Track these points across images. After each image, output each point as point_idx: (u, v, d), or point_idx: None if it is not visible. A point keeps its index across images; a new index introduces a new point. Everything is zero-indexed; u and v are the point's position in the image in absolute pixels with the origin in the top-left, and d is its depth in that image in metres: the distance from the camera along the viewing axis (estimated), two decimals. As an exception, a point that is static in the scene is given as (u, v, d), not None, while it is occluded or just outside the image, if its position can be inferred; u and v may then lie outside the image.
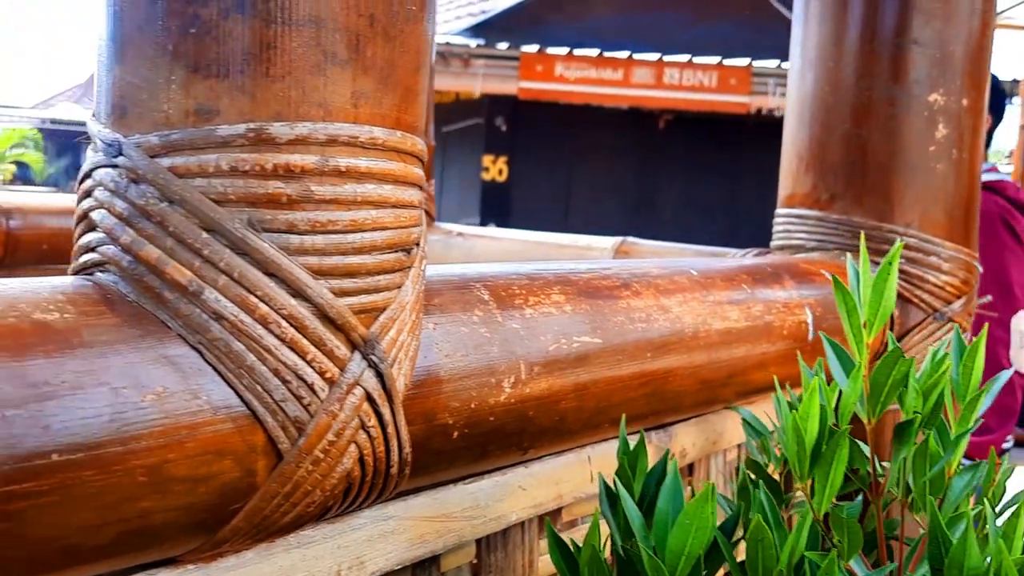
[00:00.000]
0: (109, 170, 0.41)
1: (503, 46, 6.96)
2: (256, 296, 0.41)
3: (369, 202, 0.44)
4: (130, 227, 0.41)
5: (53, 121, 17.06)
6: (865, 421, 0.47)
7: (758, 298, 0.78)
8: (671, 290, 0.69)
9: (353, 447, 0.44)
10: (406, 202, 0.46)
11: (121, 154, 0.41)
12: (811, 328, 0.83)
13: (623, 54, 7.11)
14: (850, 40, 1.01)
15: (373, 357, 0.44)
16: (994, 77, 2.18)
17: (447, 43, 6.68)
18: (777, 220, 1.08)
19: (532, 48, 7.08)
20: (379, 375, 0.45)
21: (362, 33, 0.42)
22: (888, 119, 0.99)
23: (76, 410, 0.36)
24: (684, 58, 7.02)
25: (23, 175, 15.36)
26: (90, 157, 0.43)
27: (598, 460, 0.69)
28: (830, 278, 0.56)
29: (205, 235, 0.40)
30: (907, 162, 0.98)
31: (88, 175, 0.43)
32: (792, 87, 1.08)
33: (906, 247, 0.98)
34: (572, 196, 8.13)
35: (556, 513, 0.67)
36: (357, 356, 0.44)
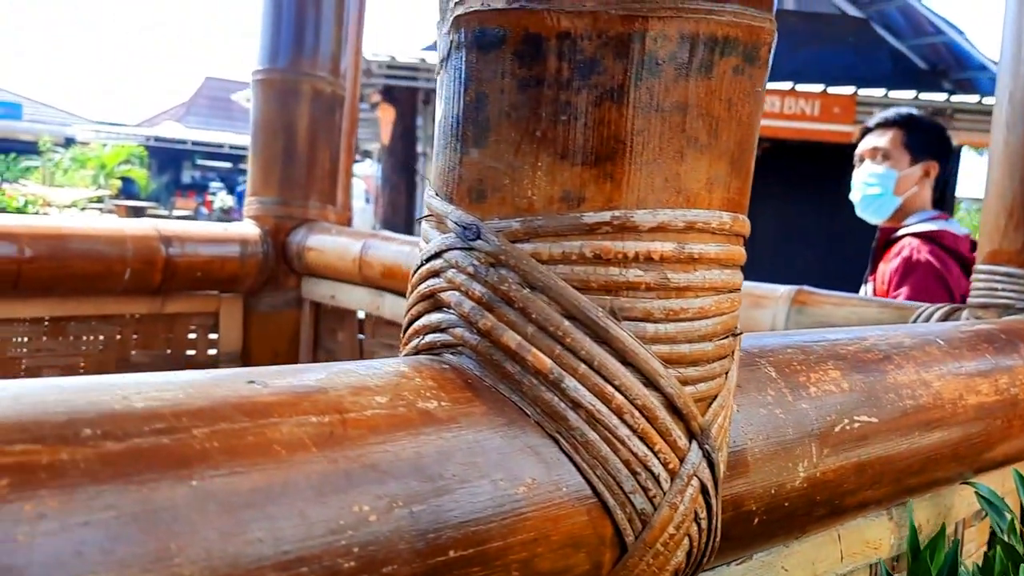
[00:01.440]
0: (465, 253, 0.41)
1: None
2: (613, 385, 0.40)
3: (714, 288, 0.42)
4: (490, 312, 0.40)
5: (157, 139, 17.87)
6: None
7: (1001, 368, 0.74)
8: (928, 362, 0.66)
9: (686, 540, 0.43)
10: (737, 285, 0.45)
11: (479, 238, 0.41)
12: (1051, 400, 0.78)
13: (722, 81, 7.00)
14: (1068, 91, 0.96)
15: (707, 447, 0.43)
16: (938, 124, 2.16)
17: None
18: (978, 277, 1.03)
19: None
20: (711, 465, 0.43)
21: (720, 118, 0.41)
22: (1113, 175, 0.93)
23: (466, 504, 0.35)
24: (786, 85, 6.89)
25: (127, 190, 16.13)
26: (437, 238, 0.43)
27: (847, 537, 0.66)
28: None
29: (567, 323, 0.40)
30: None
31: (437, 255, 0.43)
32: (997, 138, 1.03)
33: None
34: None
35: (803, 592, 0.64)
36: (695, 446, 0.42)
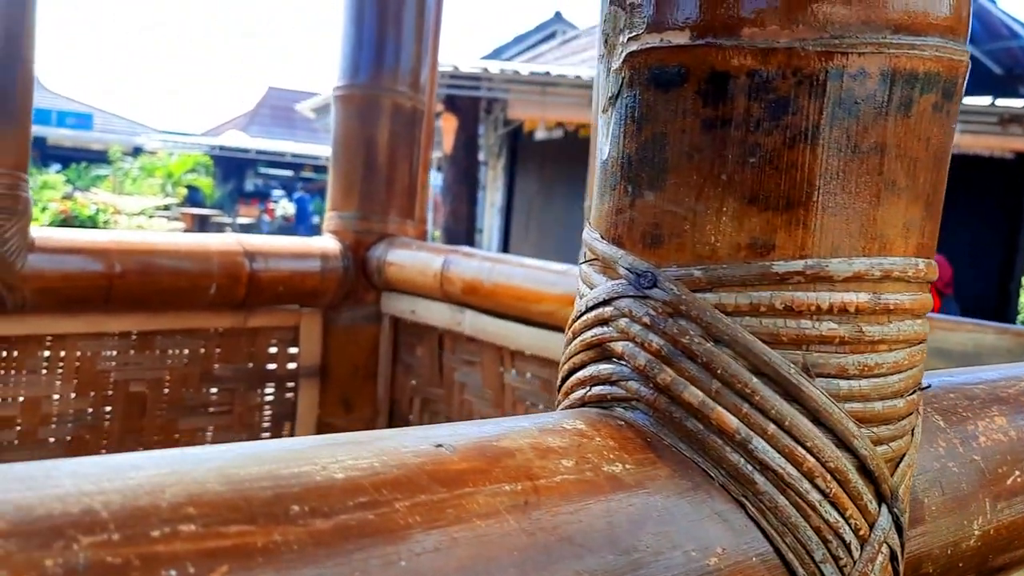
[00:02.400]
0: (639, 301, 0.39)
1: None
2: (804, 447, 0.37)
3: (907, 340, 0.39)
4: (668, 366, 0.38)
5: (222, 148, 18.28)
6: None
7: None
8: (1089, 405, 0.62)
9: (875, 611, 0.40)
10: (925, 336, 0.41)
11: (656, 286, 0.39)
12: None
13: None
14: None
15: (896, 510, 0.40)
16: None
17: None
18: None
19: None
20: (899, 530, 0.40)
21: (919, 158, 0.38)
22: None
23: (660, 578, 0.33)
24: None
25: (193, 198, 16.52)
26: (605, 284, 0.41)
27: (1000, 592, 0.62)
28: None
29: (755, 380, 0.37)
30: None
31: (605, 303, 0.41)
32: None
33: None
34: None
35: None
36: (884, 510, 0.39)
